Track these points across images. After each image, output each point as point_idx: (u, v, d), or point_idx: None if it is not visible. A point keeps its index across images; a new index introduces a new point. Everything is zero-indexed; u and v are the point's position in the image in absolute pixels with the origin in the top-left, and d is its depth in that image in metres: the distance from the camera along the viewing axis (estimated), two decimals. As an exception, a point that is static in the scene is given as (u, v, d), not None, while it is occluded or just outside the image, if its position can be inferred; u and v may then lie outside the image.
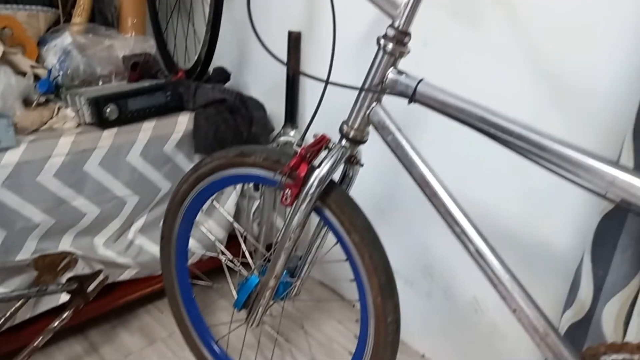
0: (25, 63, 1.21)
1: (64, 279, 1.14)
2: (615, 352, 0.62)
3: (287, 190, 0.83)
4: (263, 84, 1.50)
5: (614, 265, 0.75)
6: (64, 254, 1.14)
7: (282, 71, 1.37)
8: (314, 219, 0.90)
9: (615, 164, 0.55)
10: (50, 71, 1.23)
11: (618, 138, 0.78)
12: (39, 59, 1.30)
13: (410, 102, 0.72)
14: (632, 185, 0.53)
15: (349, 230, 0.82)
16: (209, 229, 1.37)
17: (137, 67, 1.33)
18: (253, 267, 1.03)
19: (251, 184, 1.42)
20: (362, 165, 0.89)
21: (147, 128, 1.21)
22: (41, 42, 1.33)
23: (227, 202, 1.41)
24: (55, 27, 1.38)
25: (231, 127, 1.33)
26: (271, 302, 0.96)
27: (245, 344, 1.25)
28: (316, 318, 1.44)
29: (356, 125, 0.79)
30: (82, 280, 1.14)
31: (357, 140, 0.81)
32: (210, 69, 1.46)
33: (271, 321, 1.36)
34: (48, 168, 1.06)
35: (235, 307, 0.97)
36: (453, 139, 1.06)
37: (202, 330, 1.22)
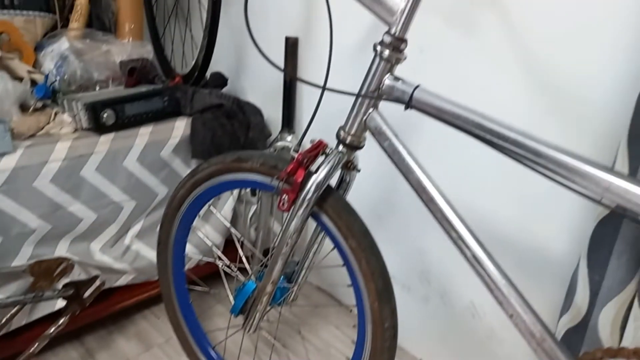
0: (22, 68, 1.21)
1: (60, 285, 1.14)
2: (611, 357, 0.63)
3: (284, 195, 0.83)
4: (260, 89, 1.51)
5: (610, 270, 0.75)
6: (60, 260, 1.14)
7: (279, 76, 1.37)
8: (311, 224, 0.90)
9: (611, 170, 0.56)
10: (47, 76, 1.23)
11: (613, 144, 0.78)
12: (36, 64, 1.30)
13: (406, 108, 0.72)
14: (627, 191, 0.54)
15: (346, 235, 0.83)
16: (205, 234, 1.37)
17: (134, 72, 1.33)
18: (250, 272, 1.03)
19: (248, 189, 1.42)
20: (359, 171, 0.89)
21: (144, 133, 1.21)
22: (38, 48, 1.33)
23: (224, 207, 1.41)
24: (52, 32, 1.38)
25: (228, 132, 1.33)
26: (268, 308, 0.95)
27: (243, 349, 1.25)
28: (313, 323, 1.44)
29: (353, 131, 0.80)
30: (79, 286, 1.14)
31: (354, 146, 0.82)
32: (208, 74, 1.47)
33: (268, 327, 1.36)
34: (45, 173, 1.06)
35: (232, 313, 0.97)
36: (450, 144, 1.07)
37: (199, 336, 1.22)
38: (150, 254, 1.31)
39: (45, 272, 1.11)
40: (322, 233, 0.97)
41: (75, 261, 1.15)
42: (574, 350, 0.83)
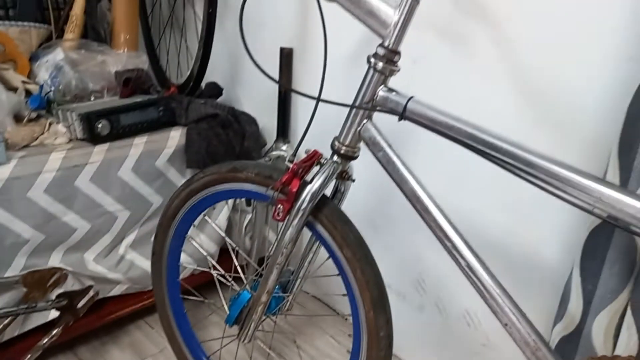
0: (16, 79, 1.21)
1: (53, 296, 1.13)
2: (605, 365, 0.63)
3: (280, 205, 0.83)
4: (255, 98, 1.51)
5: (603, 279, 0.76)
6: (54, 270, 1.13)
7: (274, 86, 1.38)
8: (306, 233, 0.91)
9: (602, 180, 0.57)
10: (41, 87, 1.23)
11: (603, 154, 0.79)
12: (31, 75, 1.30)
13: (400, 119, 0.73)
14: (618, 201, 0.54)
15: (341, 245, 0.83)
16: (200, 243, 1.36)
17: (129, 82, 1.33)
18: (245, 282, 1.03)
19: (243, 199, 1.42)
20: (353, 181, 0.90)
21: (138, 143, 1.21)
22: (33, 58, 1.33)
23: (219, 216, 1.41)
24: (47, 43, 1.38)
25: (223, 141, 1.34)
26: (263, 317, 0.95)
27: (237, 359, 1.24)
28: (309, 333, 1.44)
29: (347, 142, 0.80)
30: (72, 297, 1.13)
31: (349, 156, 0.82)
32: (203, 84, 1.47)
33: (263, 336, 1.36)
34: (38, 184, 1.05)
35: (227, 323, 0.97)
36: (444, 154, 1.08)
37: (194, 346, 1.21)
38: (144, 263, 1.31)
39: (38, 282, 1.11)
40: (317, 242, 0.97)
41: (68, 271, 1.15)
42: (568, 359, 0.84)
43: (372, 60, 0.74)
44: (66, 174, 1.09)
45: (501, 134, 0.65)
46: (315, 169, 0.82)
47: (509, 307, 0.65)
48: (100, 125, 1.14)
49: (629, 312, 0.75)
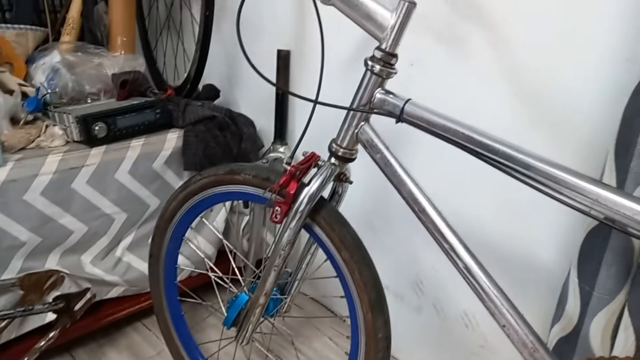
0: (13, 81, 1.21)
1: (50, 298, 1.13)
2: (602, 366, 0.63)
3: (277, 207, 0.83)
4: (253, 100, 1.51)
5: (600, 280, 0.76)
6: (51, 273, 1.13)
7: (271, 88, 1.38)
8: (304, 235, 0.91)
9: (599, 182, 0.57)
10: (38, 89, 1.23)
11: (600, 156, 0.80)
12: (27, 77, 1.30)
13: (397, 121, 0.73)
14: (615, 203, 0.55)
15: (339, 247, 0.83)
16: (198, 245, 1.36)
17: (126, 84, 1.33)
18: (243, 284, 1.02)
19: (241, 201, 1.42)
20: (351, 183, 0.90)
21: (135, 145, 1.21)
22: (29, 61, 1.33)
23: (217, 218, 1.40)
24: (44, 45, 1.38)
25: (221, 143, 1.34)
26: (261, 320, 0.95)
27: (235, 362, 1.24)
28: (307, 334, 1.44)
29: (345, 144, 0.80)
30: (69, 299, 1.13)
31: (346, 159, 0.82)
32: (200, 86, 1.47)
33: (261, 338, 1.36)
34: (35, 186, 1.05)
35: (224, 325, 0.97)
36: (441, 156, 1.08)
37: (191, 348, 1.21)
38: (141, 265, 1.31)
39: (35, 285, 1.11)
40: (315, 244, 0.97)
41: (65, 274, 1.15)
42: (565, 360, 0.84)
43: (370, 63, 0.75)
44: (63, 176, 1.09)
45: (498, 136, 0.65)
46: (313, 171, 0.83)
47: (506, 308, 0.65)
48: (97, 128, 1.14)
49: (626, 313, 0.75)
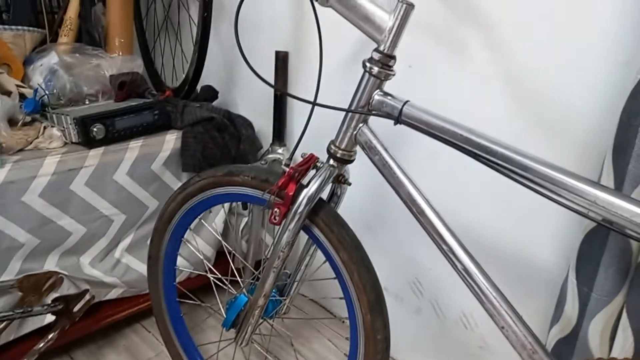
0: (10, 83, 1.21)
1: (49, 300, 1.13)
2: (601, 367, 0.63)
3: (276, 209, 0.83)
4: (251, 101, 1.51)
5: (598, 282, 0.76)
6: (49, 274, 1.13)
7: (270, 89, 1.38)
8: (303, 237, 0.91)
9: (597, 184, 0.57)
10: (36, 90, 1.22)
11: (598, 157, 0.80)
12: (25, 79, 1.30)
13: (396, 123, 0.73)
14: (613, 204, 0.55)
15: (338, 248, 0.83)
16: (197, 246, 1.36)
17: (124, 86, 1.33)
18: (242, 285, 1.02)
19: (239, 202, 1.42)
20: (350, 184, 0.90)
21: (134, 147, 1.21)
22: (27, 62, 1.33)
23: (216, 219, 1.40)
24: (41, 47, 1.38)
25: (219, 145, 1.34)
26: (260, 321, 0.95)
27: (234, 363, 1.24)
28: (306, 336, 1.44)
29: (343, 146, 0.80)
30: (68, 301, 1.13)
31: (345, 160, 0.82)
32: (198, 88, 1.47)
33: (261, 340, 1.36)
34: (33, 188, 1.05)
35: (224, 327, 0.97)
36: (440, 158, 1.08)
37: (191, 350, 1.21)
38: (140, 267, 1.31)
39: (34, 286, 1.10)
40: (314, 246, 0.97)
41: (64, 275, 1.14)
42: (564, 361, 0.84)
43: (368, 64, 0.75)
44: (61, 178, 1.09)
45: (496, 137, 0.65)
46: (312, 172, 0.83)
47: (505, 310, 0.65)
48: (95, 129, 1.14)
49: (624, 314, 0.75)
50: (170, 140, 1.28)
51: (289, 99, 1.39)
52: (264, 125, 1.46)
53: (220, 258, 1.44)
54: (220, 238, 1.27)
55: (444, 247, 0.70)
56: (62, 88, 1.27)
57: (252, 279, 1.03)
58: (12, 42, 1.30)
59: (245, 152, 1.40)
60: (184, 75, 1.43)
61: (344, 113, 0.79)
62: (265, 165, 1.39)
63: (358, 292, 0.82)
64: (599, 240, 0.76)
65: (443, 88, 1.04)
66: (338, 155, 0.81)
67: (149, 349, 1.35)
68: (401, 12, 0.71)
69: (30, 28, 1.36)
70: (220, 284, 1.12)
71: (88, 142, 1.14)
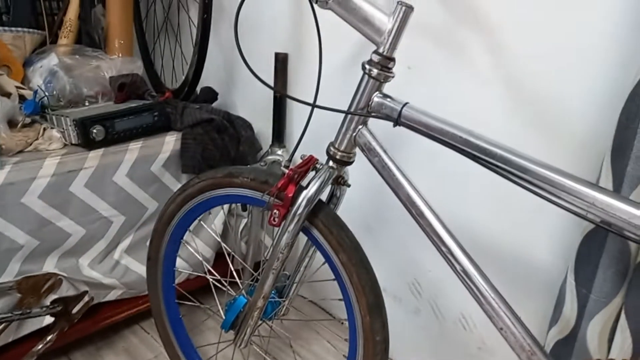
0: (10, 84, 1.21)
1: (48, 301, 1.12)
2: (599, 369, 0.64)
3: (275, 210, 0.83)
4: (251, 103, 1.51)
5: (597, 283, 0.76)
6: (48, 276, 1.13)
7: (269, 91, 1.38)
8: (302, 238, 0.91)
9: (595, 186, 0.57)
10: (36, 92, 1.22)
11: (597, 159, 0.80)
12: (25, 80, 1.30)
13: (395, 125, 0.73)
14: (612, 206, 0.55)
15: (337, 249, 0.83)
16: (196, 248, 1.36)
17: (124, 87, 1.33)
18: (241, 286, 1.02)
19: (239, 204, 1.42)
20: (349, 186, 0.90)
21: (134, 148, 1.21)
22: (27, 63, 1.33)
23: (215, 221, 1.40)
24: (41, 48, 1.38)
25: (219, 146, 1.34)
26: (259, 322, 0.95)
27: (233, 364, 1.24)
28: (305, 337, 1.44)
29: (343, 147, 0.81)
30: (67, 302, 1.13)
31: (344, 162, 0.82)
32: (198, 89, 1.47)
33: (260, 341, 1.35)
34: (33, 189, 1.05)
35: (223, 328, 0.97)
36: (439, 159, 1.08)
37: (190, 351, 1.21)
38: (139, 268, 1.31)
39: (33, 288, 1.10)
40: (313, 247, 0.98)
41: (63, 277, 1.14)
42: (563, 362, 0.84)
43: (367, 66, 0.75)
44: (61, 179, 1.09)
45: (495, 139, 0.65)
46: (311, 174, 0.83)
47: (504, 311, 0.65)
48: (95, 131, 1.14)
49: (622, 316, 0.76)
50: (170, 141, 1.28)
51: (289, 101, 1.39)
52: (263, 127, 1.47)
53: (220, 259, 1.44)
54: (219, 239, 1.27)
55: (443, 248, 0.70)
56: (61, 89, 1.27)
57: (251, 281, 1.03)
58: (12, 44, 1.30)
59: (244, 153, 1.41)
60: (183, 77, 1.43)
61: (343, 115, 0.79)
62: (265, 166, 1.39)
63: (357, 293, 0.83)
64: (598, 242, 0.76)
65: (442, 90, 1.04)
66: (337, 157, 0.81)
67: (148, 350, 1.35)
68: (400, 15, 0.71)
69: (30, 30, 1.36)
70: (219, 285, 1.12)
71: (88, 143, 1.14)
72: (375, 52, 0.74)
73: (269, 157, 1.40)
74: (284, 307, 1.07)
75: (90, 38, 1.47)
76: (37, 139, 1.13)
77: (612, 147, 0.73)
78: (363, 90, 0.76)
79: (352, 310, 0.85)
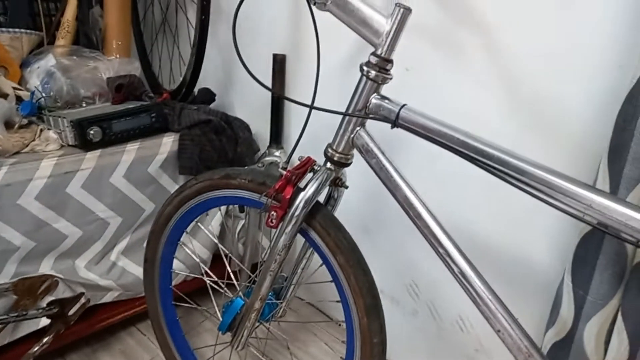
0: (7, 85, 1.21)
1: (44, 303, 1.12)
2: (596, 371, 0.64)
3: (273, 212, 0.83)
4: (248, 104, 1.51)
5: (594, 285, 0.77)
6: (45, 277, 1.12)
7: (267, 92, 1.38)
8: (299, 240, 0.91)
9: (592, 188, 0.57)
10: (33, 93, 1.22)
11: (594, 161, 0.80)
12: (22, 81, 1.30)
13: (393, 127, 0.73)
14: (608, 208, 0.55)
15: (334, 251, 0.83)
16: (193, 249, 1.36)
17: (121, 88, 1.33)
18: (238, 288, 1.02)
19: (236, 205, 1.42)
20: (346, 188, 0.90)
21: (131, 149, 1.21)
22: (24, 64, 1.33)
23: (212, 222, 1.40)
24: (38, 49, 1.38)
25: (216, 147, 1.34)
26: (257, 324, 0.95)
27: (231, 366, 1.24)
28: (302, 339, 1.43)
29: (340, 149, 0.81)
30: (63, 304, 1.13)
31: (342, 163, 0.82)
32: (196, 90, 1.47)
33: (257, 343, 1.35)
34: (29, 191, 1.04)
35: (220, 330, 0.97)
36: (436, 161, 1.08)
37: (186, 353, 1.21)
38: (136, 270, 1.30)
39: (29, 290, 1.10)
40: (311, 249, 0.98)
41: (59, 278, 1.14)
42: (560, 364, 0.84)
43: (365, 68, 0.75)
44: (57, 180, 1.08)
45: (493, 141, 0.65)
46: (309, 175, 0.83)
47: (501, 313, 0.65)
48: (92, 132, 1.14)
49: (619, 317, 0.76)
50: (167, 142, 1.28)
51: (287, 102, 1.39)
52: (261, 128, 1.46)
53: (217, 261, 1.44)
54: (216, 241, 1.27)
55: (440, 250, 0.70)
56: (59, 90, 1.27)
57: (249, 282, 1.03)
58: (9, 45, 1.30)
59: (242, 154, 1.41)
60: (181, 78, 1.43)
61: (341, 116, 0.80)
62: (263, 168, 1.39)
63: (354, 295, 0.83)
64: (595, 244, 0.76)
65: (440, 91, 1.04)
66: (335, 158, 0.81)
67: (145, 352, 1.34)
68: (398, 17, 0.71)
69: (28, 30, 1.36)
70: (216, 287, 1.12)
71: (85, 144, 1.14)
72: (373, 53, 0.74)
73: (267, 159, 1.40)
74: (282, 309, 1.07)
75: (88, 39, 1.47)
76: (34, 140, 1.12)
77: (609, 148, 0.73)
78: (361, 91, 0.76)
79: (350, 312, 0.85)
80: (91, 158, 1.14)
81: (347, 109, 0.78)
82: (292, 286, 1.04)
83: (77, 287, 1.18)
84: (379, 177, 0.76)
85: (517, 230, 1.00)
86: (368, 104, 0.76)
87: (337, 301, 0.88)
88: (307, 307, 1.58)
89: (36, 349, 1.08)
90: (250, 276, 1.05)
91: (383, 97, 0.75)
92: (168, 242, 1.08)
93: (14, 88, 1.22)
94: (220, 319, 0.96)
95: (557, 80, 0.87)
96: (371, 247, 1.03)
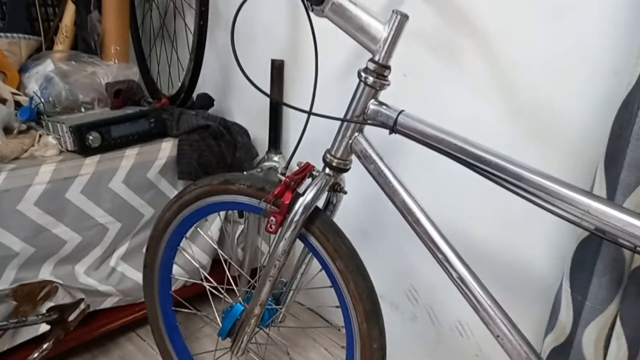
0: (6, 90, 1.21)
1: (43, 309, 1.12)
2: (595, 376, 0.64)
3: (272, 217, 0.83)
4: (247, 109, 1.52)
5: (592, 290, 0.77)
6: (44, 283, 1.12)
7: (265, 97, 1.38)
8: (299, 245, 0.91)
9: (589, 193, 0.57)
10: (31, 98, 1.22)
11: (591, 167, 0.80)
12: (20, 86, 1.30)
13: (391, 132, 0.74)
14: (605, 214, 0.55)
15: (334, 257, 0.83)
16: (192, 254, 1.36)
17: (120, 94, 1.33)
18: (238, 293, 1.02)
19: (235, 210, 1.42)
20: (345, 193, 0.90)
21: (130, 155, 1.21)
22: (23, 69, 1.33)
23: (211, 227, 1.40)
24: (37, 54, 1.38)
25: (215, 153, 1.34)
26: (256, 330, 0.95)
27: (230, 372, 1.24)
28: (302, 344, 1.43)
29: (339, 155, 0.81)
30: (63, 310, 1.12)
31: (341, 169, 0.82)
32: (194, 95, 1.47)
33: (256, 349, 1.35)
34: (28, 196, 1.05)
35: (219, 336, 0.96)
36: (434, 167, 1.08)
37: (186, 359, 1.20)
38: (136, 275, 1.30)
39: (28, 296, 1.10)
40: (310, 254, 0.98)
41: (59, 284, 1.14)
42: (559, 369, 0.84)
43: (363, 74, 0.75)
44: (57, 186, 1.08)
45: (490, 147, 0.66)
46: (308, 181, 0.83)
47: (500, 318, 0.66)
48: (91, 137, 1.14)
49: (618, 322, 0.76)
50: (166, 148, 1.28)
51: (285, 107, 1.39)
52: (259, 133, 1.47)
53: (216, 266, 1.44)
54: (216, 246, 1.27)
55: (439, 255, 0.70)
56: (57, 96, 1.27)
57: (248, 288, 1.03)
58: (7, 50, 1.30)
59: (241, 160, 1.41)
60: (180, 83, 1.43)
61: (339, 122, 0.80)
62: (261, 173, 1.40)
63: (354, 300, 0.83)
64: (592, 249, 0.76)
65: (437, 97, 1.04)
66: (334, 164, 0.82)
67: (144, 358, 1.34)
68: (396, 23, 0.72)
69: (26, 36, 1.36)
70: (216, 292, 1.12)
71: (84, 150, 1.14)
72: (371, 60, 0.74)
73: (266, 164, 1.41)
74: (281, 315, 1.06)
75: (87, 44, 1.47)
76: (32, 145, 1.12)
77: (606, 154, 0.73)
78: (359, 97, 0.76)
79: (349, 317, 0.85)
80: (90, 163, 1.14)
81: (345, 115, 0.78)
82: (292, 291, 1.04)
83: (76, 293, 1.18)
84: (378, 183, 0.76)
85: (515, 235, 1.00)
86: (366, 110, 0.76)
87: (337, 306, 0.88)
88: (307, 312, 1.58)
89: (36, 355, 1.08)
90: (249, 281, 1.05)
91: (381, 103, 0.76)
92: (167, 247, 1.08)
93: (13, 93, 1.22)
94: (220, 325, 0.96)
95: (553, 86, 0.87)
96: (370, 252, 1.03)
